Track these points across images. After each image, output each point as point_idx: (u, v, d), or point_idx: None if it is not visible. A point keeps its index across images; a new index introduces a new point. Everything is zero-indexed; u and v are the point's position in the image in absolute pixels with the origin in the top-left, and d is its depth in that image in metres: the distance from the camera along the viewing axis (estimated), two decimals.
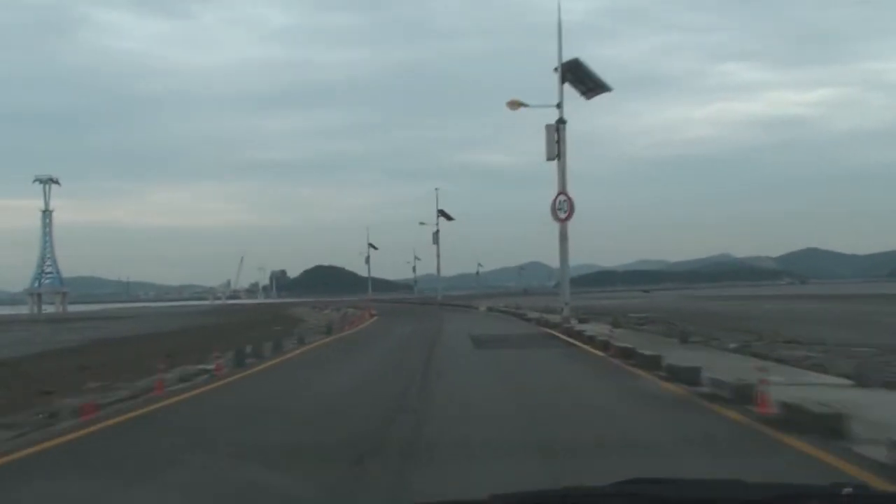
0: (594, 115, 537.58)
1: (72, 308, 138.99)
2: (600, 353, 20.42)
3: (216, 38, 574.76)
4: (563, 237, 33.16)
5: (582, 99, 33.46)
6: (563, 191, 32.44)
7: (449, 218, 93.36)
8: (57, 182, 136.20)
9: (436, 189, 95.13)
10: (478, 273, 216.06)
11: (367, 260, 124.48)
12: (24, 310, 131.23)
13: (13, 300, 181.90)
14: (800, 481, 4.21)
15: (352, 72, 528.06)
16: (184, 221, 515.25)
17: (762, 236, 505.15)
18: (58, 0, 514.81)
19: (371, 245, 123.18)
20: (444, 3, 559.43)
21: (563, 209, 32.63)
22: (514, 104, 34.30)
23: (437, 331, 34.39)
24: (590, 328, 28.64)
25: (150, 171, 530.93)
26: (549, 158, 32.78)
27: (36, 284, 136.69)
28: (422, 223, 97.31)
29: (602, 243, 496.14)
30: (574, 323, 31.32)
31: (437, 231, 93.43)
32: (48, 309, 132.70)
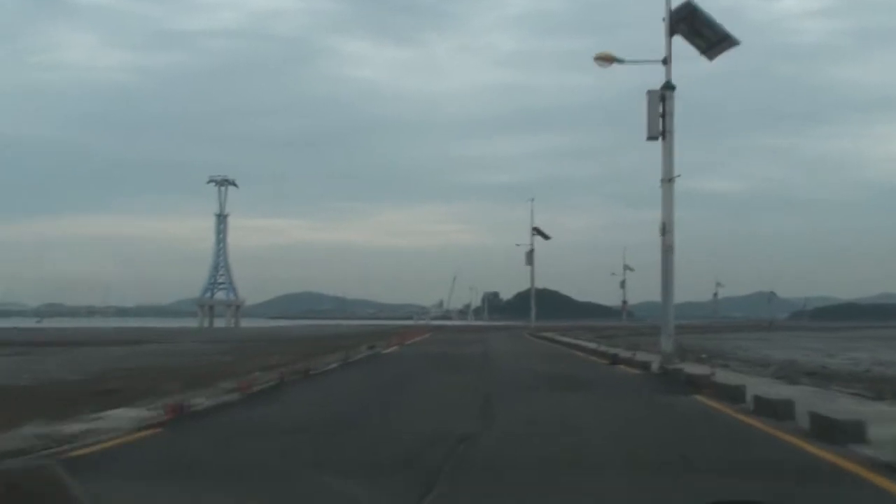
0: (830, 140, 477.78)
1: (247, 323, 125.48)
2: None
3: (447, 65, 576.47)
4: None
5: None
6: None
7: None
8: (234, 184, 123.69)
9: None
10: (716, 294, 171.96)
11: (530, 256, 76.37)
12: (194, 323, 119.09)
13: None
14: None
15: (576, 95, 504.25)
16: (408, 242, 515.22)
17: None
18: (303, 32, 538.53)
19: (540, 230, 77.12)
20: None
21: None
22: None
23: None
24: None
25: (379, 193, 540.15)
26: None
27: (207, 295, 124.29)
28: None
29: (840, 274, 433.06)
30: None
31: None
32: (219, 323, 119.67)
